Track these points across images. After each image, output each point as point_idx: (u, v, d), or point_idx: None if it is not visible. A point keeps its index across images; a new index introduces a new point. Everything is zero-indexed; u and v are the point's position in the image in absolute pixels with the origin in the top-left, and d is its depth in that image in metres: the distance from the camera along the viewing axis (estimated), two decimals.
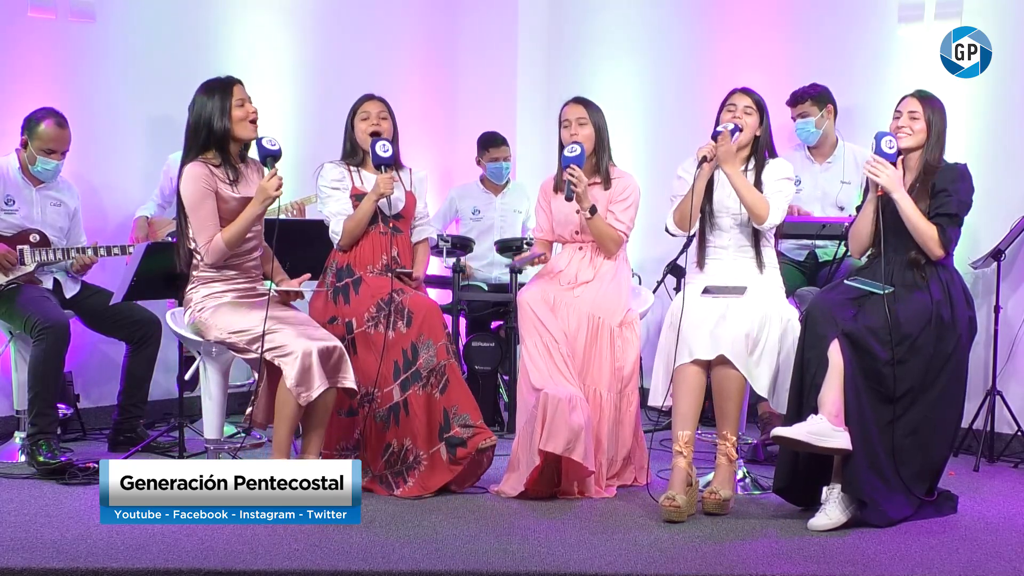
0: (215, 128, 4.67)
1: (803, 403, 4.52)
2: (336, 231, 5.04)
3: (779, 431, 4.44)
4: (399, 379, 4.84)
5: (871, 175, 4.59)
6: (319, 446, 4.69)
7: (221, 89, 4.71)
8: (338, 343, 4.64)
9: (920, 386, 4.52)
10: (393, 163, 4.98)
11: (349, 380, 4.62)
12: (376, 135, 5.03)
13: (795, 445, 4.42)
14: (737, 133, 4.80)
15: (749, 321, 4.67)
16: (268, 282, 4.89)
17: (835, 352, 4.45)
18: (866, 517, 4.44)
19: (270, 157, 4.65)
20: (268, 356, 4.56)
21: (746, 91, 4.92)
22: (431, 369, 4.84)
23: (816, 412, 4.43)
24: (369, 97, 5.14)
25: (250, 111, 4.72)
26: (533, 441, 4.71)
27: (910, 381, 4.50)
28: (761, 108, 4.90)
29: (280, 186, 4.63)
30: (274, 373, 4.64)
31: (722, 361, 4.65)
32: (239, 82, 4.75)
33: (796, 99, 6.00)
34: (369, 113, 5.08)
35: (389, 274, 4.95)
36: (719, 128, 4.81)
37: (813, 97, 5.97)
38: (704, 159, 4.77)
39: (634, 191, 5.12)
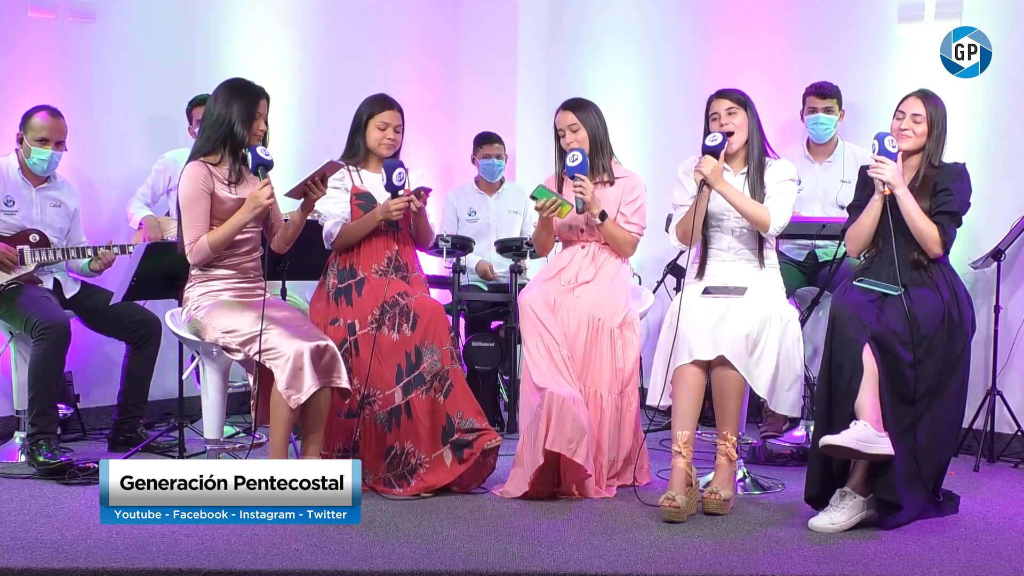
0: (236, 132, 4.68)
1: (834, 408, 4.44)
2: (332, 233, 5.03)
3: (828, 440, 4.32)
4: (402, 382, 4.82)
5: (876, 174, 4.56)
6: (318, 449, 4.67)
7: (251, 96, 4.70)
8: (330, 342, 4.59)
9: (935, 387, 4.50)
10: (404, 190, 4.93)
11: (342, 380, 4.58)
12: (393, 156, 5.01)
13: (845, 453, 4.33)
14: (726, 141, 4.77)
15: (749, 322, 4.66)
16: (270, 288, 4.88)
17: (868, 356, 4.39)
18: (883, 520, 4.41)
19: (262, 166, 4.62)
20: (260, 359, 4.54)
21: (722, 95, 4.87)
22: (435, 373, 4.83)
23: (853, 418, 4.36)
24: (389, 105, 5.05)
25: (260, 128, 4.72)
26: (538, 440, 4.70)
27: (927, 382, 4.48)
28: (744, 103, 4.86)
29: (271, 195, 4.62)
30: (267, 374, 4.62)
31: (722, 361, 4.64)
32: (266, 98, 4.75)
33: (825, 92, 5.91)
34: (387, 124, 5.03)
35: (387, 276, 4.93)
36: (707, 142, 4.76)
37: (838, 97, 5.93)
38: (704, 183, 4.75)
39: (642, 191, 5.12)
